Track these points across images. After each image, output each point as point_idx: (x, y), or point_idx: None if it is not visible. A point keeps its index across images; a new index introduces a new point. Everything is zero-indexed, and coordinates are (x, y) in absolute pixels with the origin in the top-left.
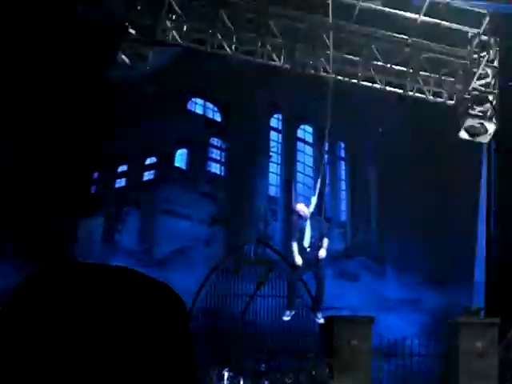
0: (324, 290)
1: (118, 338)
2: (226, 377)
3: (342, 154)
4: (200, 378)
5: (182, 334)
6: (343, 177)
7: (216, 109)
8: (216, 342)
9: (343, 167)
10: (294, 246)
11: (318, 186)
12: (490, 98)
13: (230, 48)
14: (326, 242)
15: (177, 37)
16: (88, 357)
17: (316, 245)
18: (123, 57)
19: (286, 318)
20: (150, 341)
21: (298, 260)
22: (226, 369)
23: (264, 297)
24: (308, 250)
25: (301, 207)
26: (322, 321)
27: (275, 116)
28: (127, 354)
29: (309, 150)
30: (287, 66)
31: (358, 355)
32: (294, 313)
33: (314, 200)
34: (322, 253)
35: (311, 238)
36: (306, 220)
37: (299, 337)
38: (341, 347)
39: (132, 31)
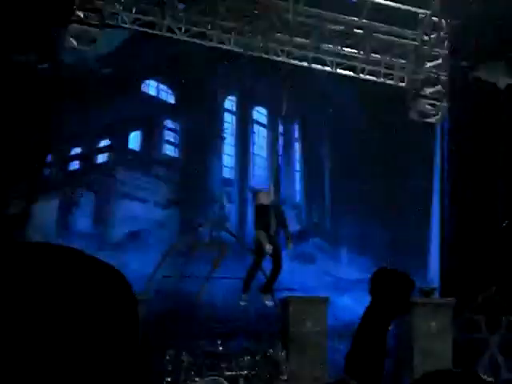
0: (277, 276)
1: (59, 317)
2: (183, 359)
3: (296, 134)
4: (155, 360)
5: (127, 316)
6: (297, 158)
7: (170, 91)
8: (171, 324)
9: (297, 148)
10: (261, 234)
11: (274, 171)
12: (442, 79)
13: (180, 31)
14: (288, 232)
15: (126, 19)
16: (25, 341)
17: (279, 233)
18: (71, 40)
19: (242, 303)
20: (93, 324)
21: (269, 248)
22: (184, 352)
23: (219, 279)
24: (274, 237)
25: (262, 195)
26: (271, 304)
27: (229, 98)
28: (68, 336)
29: (263, 131)
30: (238, 49)
31: (314, 336)
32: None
33: (272, 188)
34: (290, 247)
35: (274, 225)
36: (268, 208)
37: (255, 318)
38: (296, 328)
39: (80, 14)
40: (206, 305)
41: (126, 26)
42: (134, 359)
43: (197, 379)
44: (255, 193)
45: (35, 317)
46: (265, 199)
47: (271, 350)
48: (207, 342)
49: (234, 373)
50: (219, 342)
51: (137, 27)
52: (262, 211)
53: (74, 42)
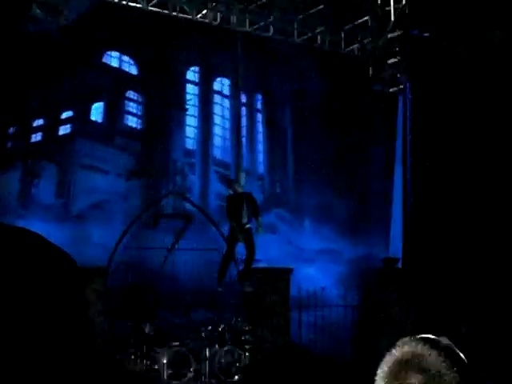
0: (252, 264)
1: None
2: (146, 331)
3: (259, 105)
4: (118, 332)
5: (68, 290)
6: (260, 129)
7: (132, 62)
8: (134, 296)
9: (260, 119)
10: (233, 224)
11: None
12: (402, 48)
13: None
14: (260, 219)
15: None
16: None
17: (250, 220)
18: (38, 10)
19: (220, 289)
20: (35, 298)
21: (241, 238)
22: (147, 323)
23: (182, 250)
24: (247, 226)
25: (236, 185)
26: (251, 289)
27: (191, 69)
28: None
29: (226, 102)
30: (199, 19)
31: (277, 306)
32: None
33: (243, 176)
34: (260, 232)
35: (247, 214)
36: (240, 197)
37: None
38: (259, 299)
39: None
40: (170, 276)
41: None
42: (83, 329)
43: (159, 350)
44: (228, 181)
45: None
46: (237, 188)
47: (234, 320)
48: (171, 313)
49: (197, 343)
50: (182, 313)
51: None
52: (234, 200)
53: (41, 14)
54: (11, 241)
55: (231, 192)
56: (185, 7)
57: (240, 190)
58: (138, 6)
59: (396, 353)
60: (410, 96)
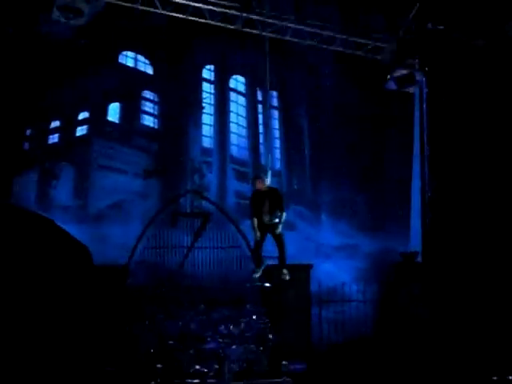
0: (285, 256)
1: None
2: (166, 329)
3: (275, 102)
4: (137, 331)
5: (85, 276)
6: (277, 126)
7: (147, 62)
8: (154, 295)
9: (276, 116)
10: (254, 221)
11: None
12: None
13: (161, 4)
14: (284, 216)
15: None
16: None
17: (274, 216)
18: (58, 13)
19: (256, 275)
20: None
21: (258, 236)
22: (166, 322)
23: (201, 248)
24: (274, 221)
25: (260, 181)
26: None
27: (207, 67)
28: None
29: (242, 100)
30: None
31: (297, 303)
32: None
33: (269, 175)
34: (280, 229)
35: (270, 210)
36: (264, 193)
37: (238, 286)
38: (279, 295)
39: None
40: (189, 275)
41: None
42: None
43: (180, 348)
44: (253, 179)
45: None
46: (261, 185)
47: (254, 317)
48: (191, 311)
49: (218, 342)
50: (202, 312)
51: (120, 2)
52: (256, 196)
53: (62, 16)
54: (30, 227)
55: (255, 189)
56: (204, 11)
57: (264, 186)
58: (156, 11)
59: None
60: (426, 90)
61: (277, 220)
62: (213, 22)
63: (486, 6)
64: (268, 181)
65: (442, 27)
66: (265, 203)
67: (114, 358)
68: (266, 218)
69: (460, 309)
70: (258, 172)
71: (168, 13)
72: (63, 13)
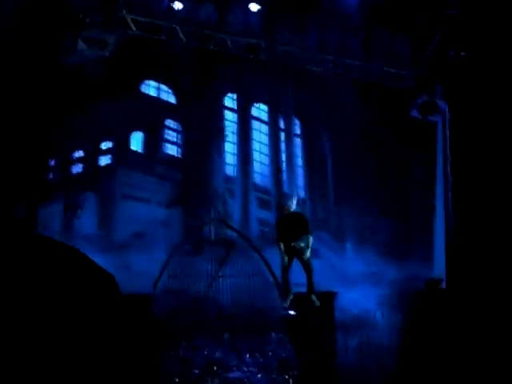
0: (312, 280)
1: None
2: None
3: (297, 130)
4: (162, 360)
5: (113, 311)
6: (299, 153)
7: (170, 91)
8: (179, 323)
9: (298, 143)
10: (282, 246)
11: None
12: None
13: (185, 36)
14: (310, 239)
15: (132, 25)
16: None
17: (300, 240)
18: (83, 44)
19: (285, 305)
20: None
21: (286, 260)
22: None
23: (226, 277)
24: (300, 245)
25: (287, 207)
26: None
27: (229, 95)
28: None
29: (264, 128)
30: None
31: (322, 331)
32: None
33: (294, 200)
34: (307, 254)
35: (296, 234)
36: (290, 218)
37: (262, 314)
38: (304, 323)
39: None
40: (213, 303)
41: (134, 31)
42: (127, 352)
43: (206, 379)
44: (279, 206)
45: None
46: (286, 211)
47: (279, 346)
48: (215, 339)
49: (243, 371)
50: (226, 340)
51: (144, 33)
52: (283, 221)
53: (86, 46)
54: (61, 259)
55: (281, 215)
56: (228, 42)
57: (288, 211)
58: (180, 43)
59: None
60: (448, 117)
61: (303, 244)
62: (236, 54)
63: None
64: (293, 206)
65: (463, 53)
66: (290, 227)
67: None
68: (293, 243)
69: (485, 335)
70: (283, 199)
71: (193, 44)
72: (88, 44)
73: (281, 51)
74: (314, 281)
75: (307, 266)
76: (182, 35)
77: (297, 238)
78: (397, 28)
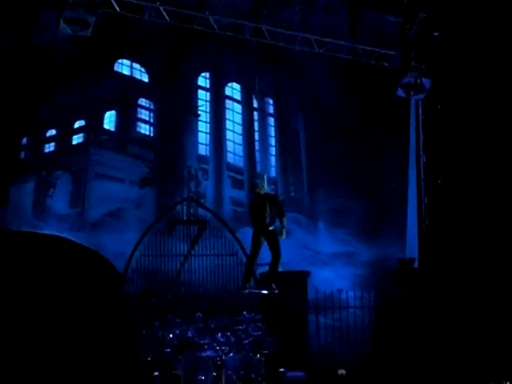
0: (278, 265)
1: (52, 302)
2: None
3: (271, 110)
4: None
5: (116, 295)
6: (272, 133)
7: (143, 69)
8: (151, 303)
9: (272, 123)
10: (257, 226)
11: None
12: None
13: (168, 15)
14: (285, 220)
15: (115, 5)
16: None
17: (273, 222)
18: (64, 25)
19: (245, 292)
20: (85, 303)
21: (262, 240)
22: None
23: (198, 256)
24: (271, 228)
25: (258, 188)
26: (276, 291)
27: (202, 75)
28: (62, 317)
29: (237, 107)
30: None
31: (294, 310)
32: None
33: (265, 178)
34: (283, 234)
35: (270, 216)
36: (263, 199)
37: (235, 294)
38: (277, 303)
39: None
40: (186, 283)
41: (117, 11)
42: (128, 332)
43: (178, 357)
44: (251, 185)
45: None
46: (260, 190)
47: (252, 325)
48: (188, 319)
49: (215, 349)
50: (200, 319)
51: (125, 12)
52: (256, 202)
53: (68, 28)
54: (49, 248)
55: (254, 194)
56: (211, 20)
57: (262, 191)
58: (164, 21)
59: None
60: (422, 97)
61: (272, 228)
62: (221, 33)
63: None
64: (265, 185)
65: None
66: (264, 209)
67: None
68: (267, 222)
69: (457, 314)
70: (255, 179)
71: (176, 24)
72: (70, 25)
73: (266, 30)
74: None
75: (277, 249)
76: (165, 14)
77: (271, 220)
78: (382, 8)
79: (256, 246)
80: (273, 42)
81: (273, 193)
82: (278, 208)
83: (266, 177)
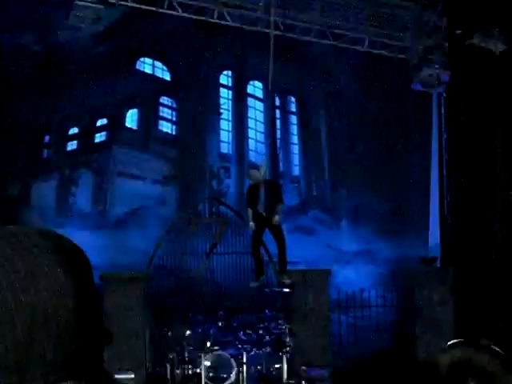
0: (285, 254)
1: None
2: (186, 336)
3: (293, 108)
4: (157, 336)
5: (85, 285)
6: (294, 131)
7: (165, 68)
8: (174, 301)
9: (294, 121)
10: (249, 212)
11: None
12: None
13: (181, 7)
14: (280, 207)
15: None
16: None
17: (271, 209)
18: (75, 19)
19: (253, 285)
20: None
21: (252, 226)
22: (186, 328)
23: (220, 254)
24: (264, 214)
25: (254, 172)
26: (288, 281)
27: (224, 73)
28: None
29: (259, 105)
30: (236, 24)
31: (316, 308)
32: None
33: (265, 164)
34: (276, 219)
35: (266, 202)
36: (260, 184)
37: (256, 292)
38: (299, 301)
39: None
40: (207, 280)
41: (128, 3)
42: (96, 321)
43: (200, 355)
44: (249, 172)
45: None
46: (256, 176)
47: (273, 323)
48: (210, 317)
49: (237, 347)
50: (221, 317)
51: (137, 5)
52: (252, 188)
53: (79, 22)
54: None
55: (250, 180)
56: (224, 13)
57: (259, 177)
58: (175, 13)
59: (447, 357)
60: (445, 94)
61: (277, 217)
62: (233, 24)
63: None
64: (262, 174)
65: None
66: (261, 195)
67: (132, 365)
68: (261, 209)
69: (481, 313)
70: (250, 169)
71: (188, 15)
72: (80, 19)
73: (281, 23)
74: (285, 251)
75: (278, 234)
76: (177, 7)
77: (269, 206)
78: None
79: (256, 236)
80: (287, 34)
81: (271, 179)
82: (277, 194)
83: (265, 168)
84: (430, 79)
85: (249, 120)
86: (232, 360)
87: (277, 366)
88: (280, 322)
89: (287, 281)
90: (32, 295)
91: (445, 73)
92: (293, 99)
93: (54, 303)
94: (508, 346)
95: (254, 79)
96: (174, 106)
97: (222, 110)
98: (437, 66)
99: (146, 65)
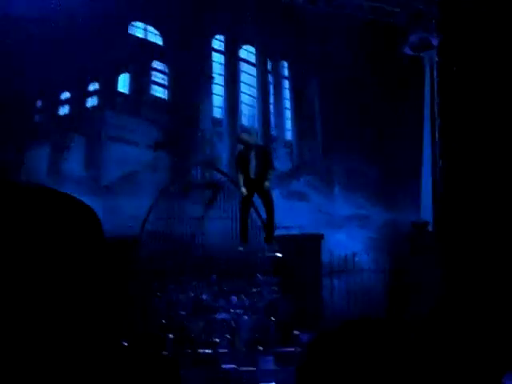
0: (273, 219)
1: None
2: (178, 300)
3: (286, 72)
4: (149, 301)
5: (94, 243)
6: (287, 96)
7: (157, 32)
8: (166, 265)
9: (287, 86)
10: (240, 177)
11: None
12: (432, 11)
13: None
14: (270, 172)
15: None
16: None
17: (261, 174)
18: None
19: (240, 249)
20: (64, 251)
21: (243, 191)
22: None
23: (213, 219)
24: (254, 179)
25: (245, 136)
26: (276, 251)
27: (217, 37)
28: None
29: (252, 70)
30: None
31: (308, 273)
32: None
33: (256, 128)
34: (267, 184)
35: (256, 167)
36: (250, 149)
37: (249, 257)
38: (291, 265)
39: None
40: (200, 245)
41: None
42: (106, 282)
43: (193, 320)
44: (238, 139)
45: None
46: (247, 139)
47: (266, 288)
48: (202, 282)
49: (230, 312)
50: (214, 282)
51: None
52: (243, 154)
53: None
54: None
55: (241, 144)
56: None
57: (250, 141)
58: None
59: None
60: (436, 58)
61: (267, 182)
62: None
63: None
64: (253, 138)
65: None
66: (252, 160)
67: (126, 330)
68: (252, 175)
69: (472, 277)
70: (242, 134)
71: None
72: None
73: None
74: (273, 217)
75: (267, 202)
76: None
77: (260, 171)
78: None
79: (245, 201)
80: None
81: (262, 144)
82: (267, 160)
83: (256, 132)
84: (420, 43)
85: (241, 85)
86: (224, 325)
87: (269, 330)
88: (273, 287)
89: (275, 251)
90: None
91: (436, 37)
92: (285, 64)
93: None
94: (499, 308)
95: (246, 43)
96: (167, 70)
97: (214, 75)
98: (427, 30)
99: (138, 29)
